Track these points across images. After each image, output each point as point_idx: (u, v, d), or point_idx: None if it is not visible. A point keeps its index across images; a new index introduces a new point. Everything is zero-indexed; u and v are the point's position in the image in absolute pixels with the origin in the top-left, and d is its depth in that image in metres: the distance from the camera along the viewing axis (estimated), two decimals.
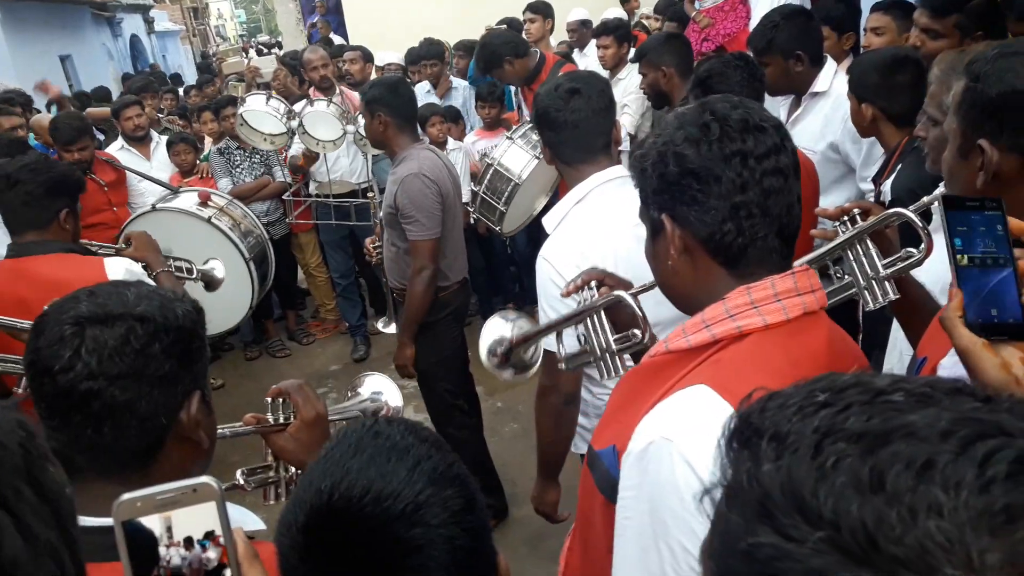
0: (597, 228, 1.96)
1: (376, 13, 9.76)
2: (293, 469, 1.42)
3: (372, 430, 0.85)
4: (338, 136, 4.64)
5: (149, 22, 19.90)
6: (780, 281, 1.10)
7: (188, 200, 4.50)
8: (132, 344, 1.03)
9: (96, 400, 1.02)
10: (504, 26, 5.43)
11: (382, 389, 1.74)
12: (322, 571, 0.79)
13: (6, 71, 10.31)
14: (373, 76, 5.66)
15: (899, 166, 2.48)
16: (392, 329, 4.06)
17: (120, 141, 5.28)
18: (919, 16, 2.77)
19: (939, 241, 1.42)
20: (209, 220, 4.33)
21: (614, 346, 1.47)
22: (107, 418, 1.03)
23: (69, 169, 2.69)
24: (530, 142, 3.41)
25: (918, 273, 1.45)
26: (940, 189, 1.48)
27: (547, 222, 2.10)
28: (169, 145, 5.31)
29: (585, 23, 6.20)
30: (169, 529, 0.72)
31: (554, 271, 1.97)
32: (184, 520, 0.73)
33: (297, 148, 5.06)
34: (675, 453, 1.01)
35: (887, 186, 2.49)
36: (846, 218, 1.47)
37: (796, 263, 1.20)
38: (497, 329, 1.86)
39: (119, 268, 2.53)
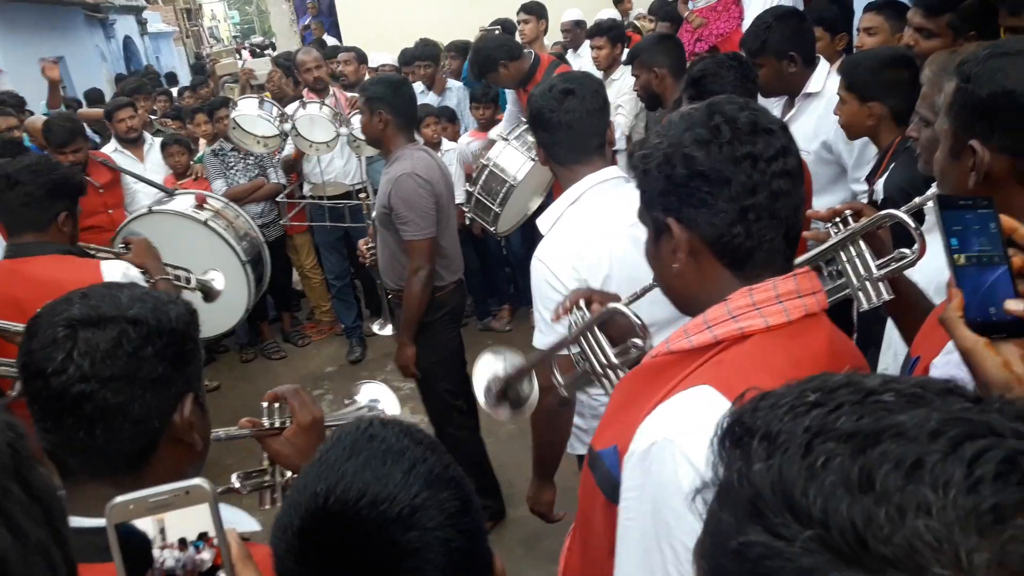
0: (592, 229, 1.96)
1: (369, 14, 9.75)
2: (289, 473, 1.42)
3: (367, 433, 0.85)
4: (331, 138, 4.64)
5: (142, 23, 19.83)
6: (782, 283, 1.11)
7: (184, 202, 4.50)
8: (125, 347, 1.03)
9: (88, 402, 1.02)
10: (498, 28, 5.42)
11: (379, 396, 1.74)
12: (317, 574, 0.79)
13: None
14: (367, 77, 5.66)
15: (892, 165, 2.49)
16: (388, 331, 4.06)
17: (113, 143, 5.27)
18: (912, 15, 2.78)
19: (932, 241, 1.43)
20: (206, 223, 4.33)
21: (615, 360, 1.46)
22: (99, 420, 1.03)
23: (70, 171, 2.68)
24: (525, 143, 3.42)
25: (911, 273, 1.46)
26: (932, 189, 1.49)
27: (542, 223, 2.10)
28: (163, 147, 5.30)
29: (579, 24, 6.20)
30: (163, 531, 0.72)
31: (549, 272, 1.97)
32: (177, 522, 0.73)
33: (290, 150, 5.05)
34: (678, 453, 1.02)
35: (880, 185, 2.50)
36: (838, 220, 1.47)
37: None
38: (489, 367, 1.85)
39: (116, 271, 2.53)
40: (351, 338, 5.52)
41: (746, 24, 3.83)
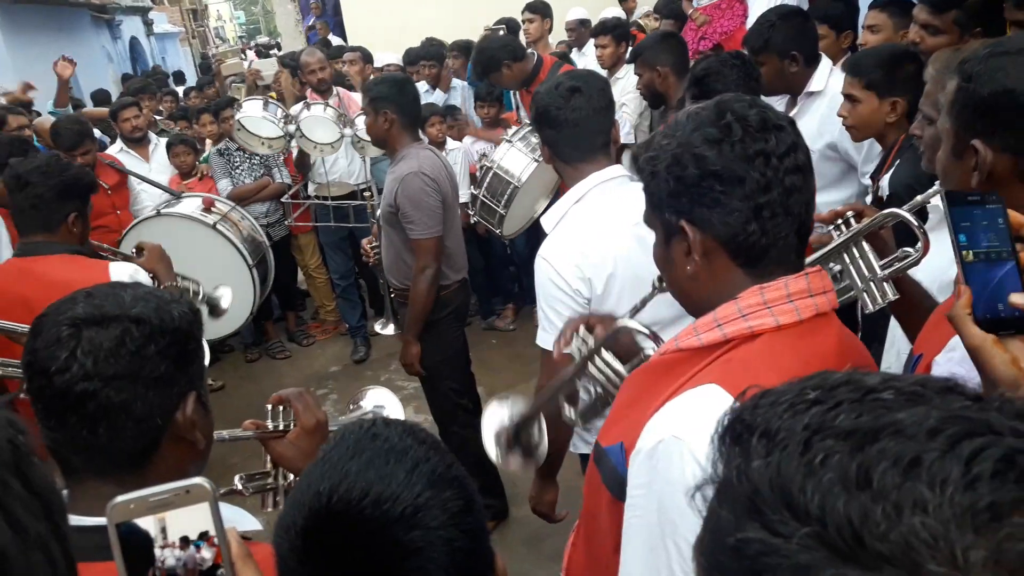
0: (596, 227, 1.96)
1: (374, 14, 9.75)
2: (292, 477, 1.42)
3: (370, 432, 0.86)
4: (335, 139, 4.64)
5: (148, 24, 19.87)
6: (793, 282, 1.10)
7: (192, 205, 4.51)
8: (128, 345, 1.04)
9: (92, 401, 1.03)
10: (502, 27, 5.42)
11: (384, 402, 1.75)
12: (321, 574, 0.79)
13: (5, 73, 10.30)
14: (372, 77, 5.66)
15: (897, 162, 2.48)
16: (390, 330, 4.06)
17: (119, 143, 5.29)
18: (919, 12, 2.77)
19: (935, 239, 1.43)
20: (214, 226, 4.34)
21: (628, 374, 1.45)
22: (102, 419, 1.03)
23: (80, 172, 2.67)
24: (529, 144, 3.41)
25: (915, 271, 1.46)
26: (935, 187, 1.49)
27: (546, 221, 2.10)
28: (168, 147, 5.32)
29: (584, 23, 6.20)
30: (164, 530, 0.73)
31: (553, 271, 1.97)
32: (178, 521, 0.73)
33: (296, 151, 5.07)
34: (685, 452, 1.01)
35: (885, 181, 2.49)
36: (840, 222, 1.47)
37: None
38: (496, 416, 1.82)
39: (124, 273, 2.54)
40: (355, 338, 5.53)
41: (750, 22, 3.83)
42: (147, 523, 0.73)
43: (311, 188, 5.32)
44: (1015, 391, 0.85)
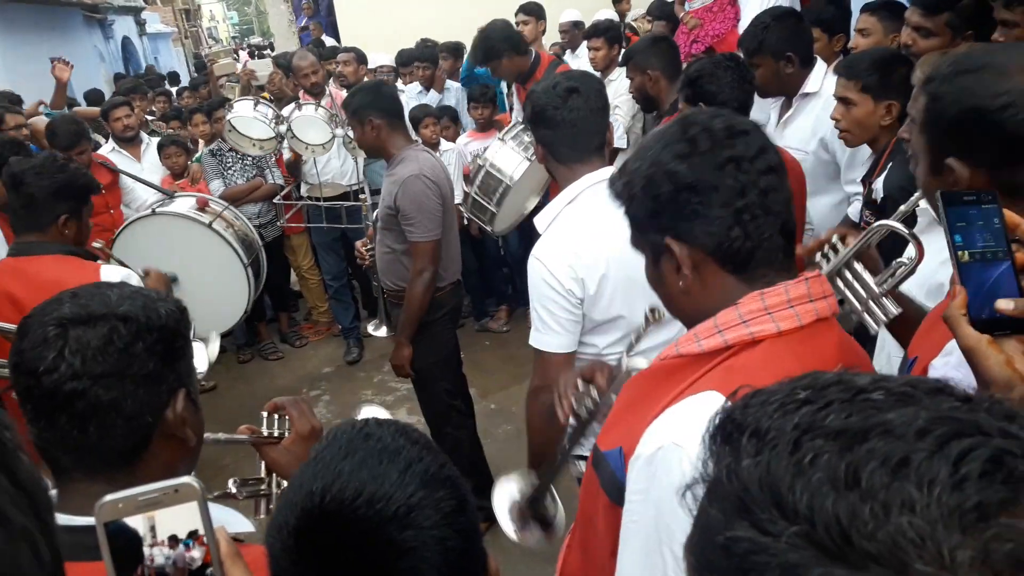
0: (589, 228, 1.96)
1: (368, 14, 9.74)
2: (285, 484, 1.42)
3: (363, 432, 0.86)
4: (327, 140, 4.64)
5: (141, 24, 19.80)
6: (794, 287, 1.11)
7: (186, 204, 4.50)
8: (115, 343, 1.04)
9: (81, 400, 1.02)
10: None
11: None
12: (314, 573, 0.79)
13: None
14: (366, 79, 5.66)
15: (890, 165, 2.49)
16: (383, 332, 4.06)
17: (111, 143, 5.27)
18: (911, 14, 2.78)
19: (924, 243, 1.43)
20: (210, 226, 4.33)
21: None
22: (92, 418, 1.03)
23: (75, 174, 2.64)
24: (522, 143, 3.41)
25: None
26: (917, 194, 1.49)
27: (539, 222, 2.10)
28: (160, 148, 5.30)
29: (577, 24, 6.21)
30: (153, 529, 0.73)
31: (546, 271, 1.97)
32: (167, 520, 0.73)
33: (288, 152, 5.06)
34: (684, 459, 1.01)
35: (879, 184, 2.50)
36: (827, 248, 1.47)
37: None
38: (506, 493, 1.81)
39: (115, 276, 2.53)
40: (348, 339, 5.52)
41: (743, 25, 3.84)
42: (136, 522, 0.73)
43: (304, 189, 5.31)
44: (1008, 392, 0.85)
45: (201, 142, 5.72)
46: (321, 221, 5.16)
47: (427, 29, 7.51)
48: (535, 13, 5.53)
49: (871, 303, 1.41)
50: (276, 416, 1.40)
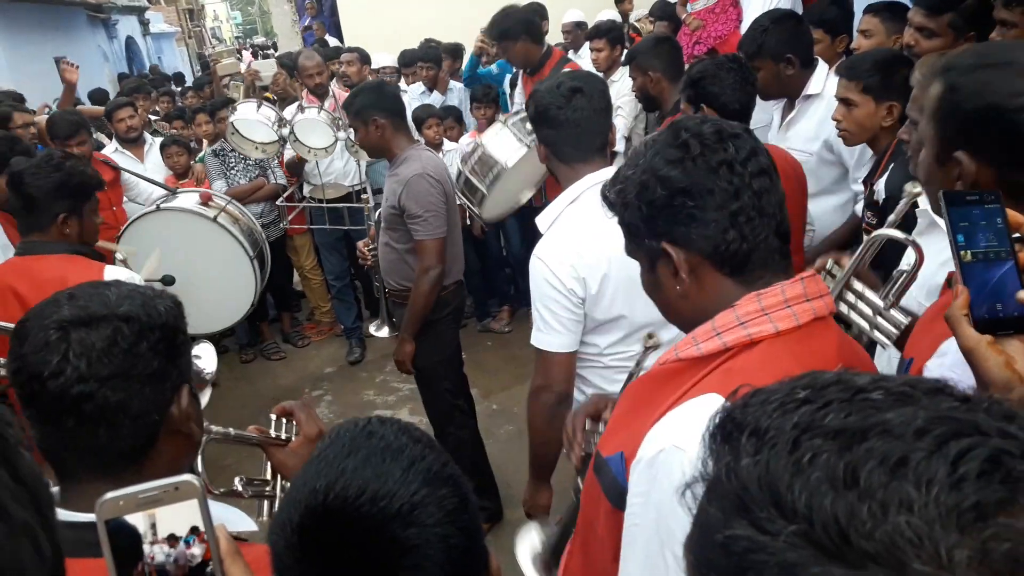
0: (591, 228, 1.96)
1: (370, 15, 9.75)
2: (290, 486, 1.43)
3: (365, 430, 0.86)
4: (330, 143, 4.64)
5: (144, 24, 19.84)
6: (790, 287, 1.11)
7: (190, 200, 4.51)
8: (120, 344, 1.04)
9: (89, 402, 1.03)
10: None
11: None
12: (317, 571, 0.79)
13: (1, 72, 10.28)
14: (369, 79, 5.67)
15: (891, 166, 2.49)
16: (384, 332, 4.05)
17: (114, 143, 5.28)
18: (914, 14, 2.77)
19: (922, 244, 1.43)
20: (215, 219, 4.33)
21: None
22: (100, 419, 1.03)
23: (70, 173, 2.61)
24: (522, 130, 3.37)
25: None
26: (904, 201, 1.48)
27: (540, 222, 2.10)
28: (162, 148, 5.31)
29: (580, 25, 6.21)
30: (153, 526, 0.73)
31: (548, 270, 1.98)
32: (168, 517, 0.74)
33: (291, 154, 5.06)
34: (686, 462, 1.01)
35: (880, 185, 2.50)
36: (823, 275, 1.47)
37: None
38: (527, 543, 1.79)
39: (120, 276, 2.54)
40: (350, 339, 5.52)
41: (745, 26, 3.84)
42: (136, 520, 0.73)
43: (306, 189, 5.31)
44: (1007, 394, 0.86)
45: (204, 142, 5.73)
46: (324, 222, 5.16)
47: (429, 29, 7.52)
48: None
49: (878, 319, 1.40)
50: (284, 420, 1.41)
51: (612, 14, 6.72)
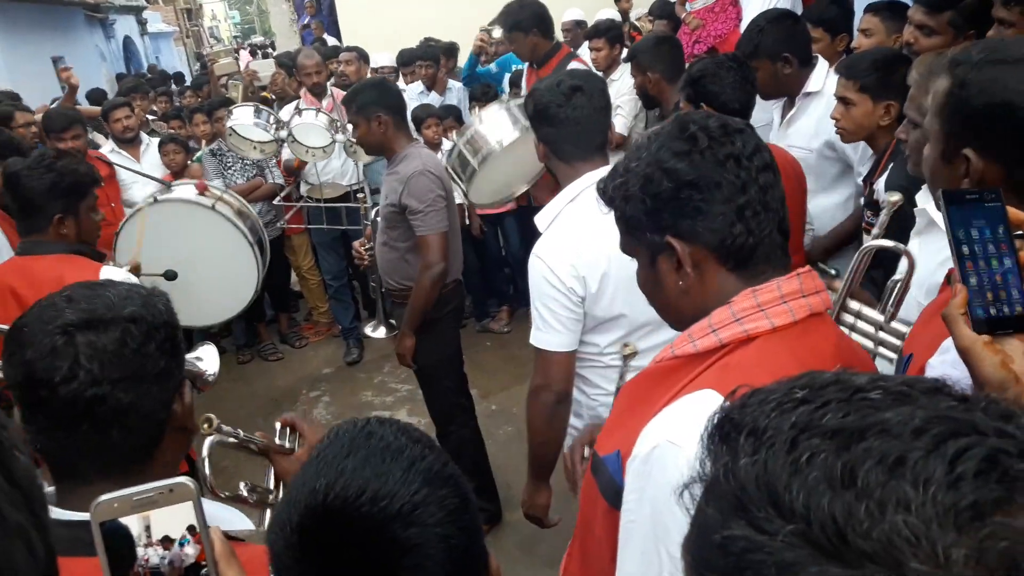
0: (591, 226, 1.96)
1: (369, 14, 9.75)
2: None
3: (365, 431, 0.86)
4: (327, 144, 4.64)
5: (142, 23, 19.82)
6: (786, 283, 1.11)
7: (187, 191, 4.50)
8: (130, 345, 1.05)
9: (102, 406, 1.03)
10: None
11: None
12: (317, 571, 0.79)
13: None
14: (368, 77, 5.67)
15: (891, 165, 2.50)
16: (380, 333, 4.05)
17: (110, 143, 5.27)
18: (914, 12, 2.78)
19: (921, 244, 1.43)
20: (213, 207, 4.30)
21: None
22: (114, 421, 1.04)
23: (63, 171, 2.58)
24: (522, 112, 3.33)
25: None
26: (892, 205, 1.48)
27: (539, 220, 2.10)
28: (160, 145, 5.30)
29: (580, 23, 6.21)
30: (148, 528, 0.73)
31: (547, 269, 1.98)
32: (163, 519, 0.74)
33: (289, 155, 5.06)
34: (680, 457, 1.01)
35: (880, 185, 2.51)
36: None
37: None
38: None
39: (116, 276, 2.54)
40: (348, 339, 5.51)
41: (745, 24, 3.84)
42: (131, 521, 0.73)
43: (303, 189, 5.31)
44: (1002, 393, 0.85)
45: (203, 141, 5.72)
46: (321, 221, 5.16)
47: (428, 28, 7.52)
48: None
49: (881, 334, 1.39)
50: (288, 430, 1.43)
51: (611, 13, 6.72)
